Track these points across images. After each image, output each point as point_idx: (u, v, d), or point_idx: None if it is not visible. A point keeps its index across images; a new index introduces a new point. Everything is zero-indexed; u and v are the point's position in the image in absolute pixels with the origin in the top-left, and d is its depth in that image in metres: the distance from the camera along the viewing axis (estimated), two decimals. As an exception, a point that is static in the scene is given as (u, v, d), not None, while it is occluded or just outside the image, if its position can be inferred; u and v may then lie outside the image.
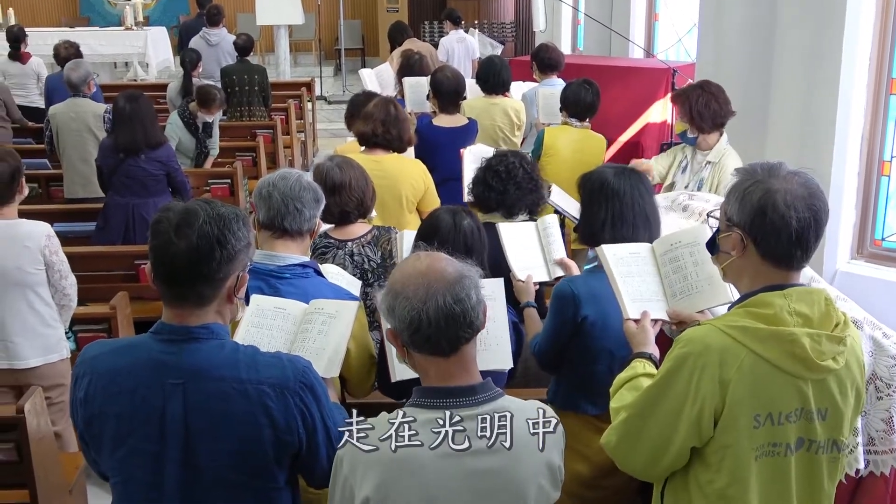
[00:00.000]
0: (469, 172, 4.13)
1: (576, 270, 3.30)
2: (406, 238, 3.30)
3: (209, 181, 6.78)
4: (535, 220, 3.59)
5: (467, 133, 5.47)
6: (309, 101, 10.66)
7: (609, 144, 6.06)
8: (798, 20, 5.02)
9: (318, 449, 2.11)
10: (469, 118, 5.66)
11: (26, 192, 3.99)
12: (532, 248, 3.41)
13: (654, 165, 4.67)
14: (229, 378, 2.02)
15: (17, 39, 8.91)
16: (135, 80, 13.02)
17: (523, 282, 3.26)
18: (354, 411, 1.96)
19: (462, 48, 10.10)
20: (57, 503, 3.44)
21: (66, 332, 4.10)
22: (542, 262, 3.38)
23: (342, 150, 4.76)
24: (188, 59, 8.21)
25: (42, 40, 11.23)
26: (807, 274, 2.51)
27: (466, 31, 10.73)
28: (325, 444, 2.11)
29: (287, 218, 2.78)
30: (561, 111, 5.56)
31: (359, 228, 3.61)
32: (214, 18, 9.83)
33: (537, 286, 3.31)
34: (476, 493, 1.91)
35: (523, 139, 6.29)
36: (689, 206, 3.50)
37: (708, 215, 2.28)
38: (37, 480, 3.27)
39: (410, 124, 4.81)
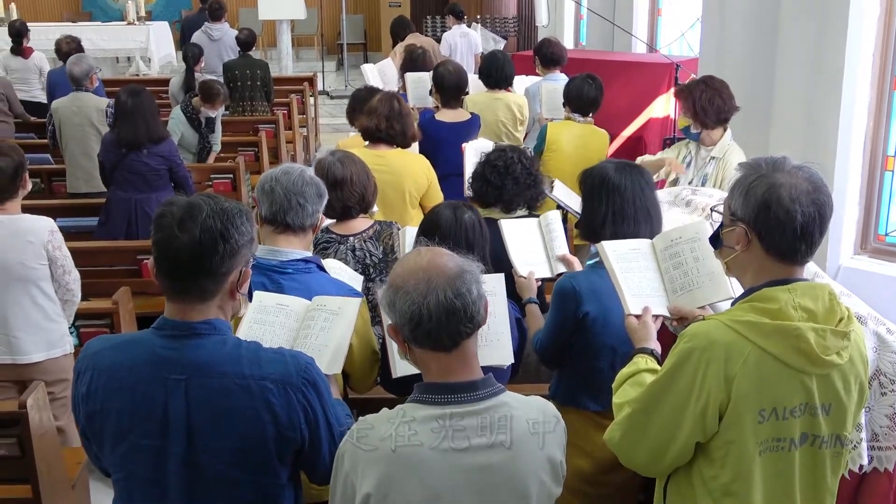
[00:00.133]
0: (470, 167, 4.12)
1: (578, 266, 3.29)
2: (408, 234, 3.30)
3: (211, 176, 6.78)
4: (536, 216, 3.58)
5: (470, 128, 5.47)
6: (311, 95, 10.65)
7: (612, 139, 6.06)
8: (801, 15, 5.01)
9: (321, 445, 2.10)
10: (472, 113, 5.65)
11: (29, 187, 3.99)
12: (534, 244, 3.40)
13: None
14: (232, 374, 2.02)
15: (19, 34, 8.91)
16: (137, 75, 13.01)
17: (525, 278, 3.26)
18: (355, 412, 1.96)
19: (465, 43, 10.08)
20: (59, 498, 3.44)
21: (69, 328, 4.10)
22: (544, 258, 3.37)
23: (345, 145, 4.75)
24: (190, 54, 8.21)
25: (44, 35, 11.24)
26: (810, 269, 2.50)
27: (469, 26, 10.71)
28: (327, 440, 2.11)
29: (290, 213, 2.77)
30: (564, 106, 5.56)
31: (360, 223, 3.61)
32: (216, 13, 9.82)
33: (539, 282, 3.31)
34: (478, 488, 1.90)
35: (526, 134, 6.28)
36: (693, 202, 3.49)
37: (712, 210, 2.27)
38: (39, 476, 3.27)
39: (414, 119, 4.80)
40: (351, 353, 2.58)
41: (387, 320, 2.03)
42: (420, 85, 6.27)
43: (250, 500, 2.09)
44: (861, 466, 2.65)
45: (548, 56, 6.55)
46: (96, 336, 2.26)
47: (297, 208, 2.78)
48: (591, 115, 5.48)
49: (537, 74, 6.77)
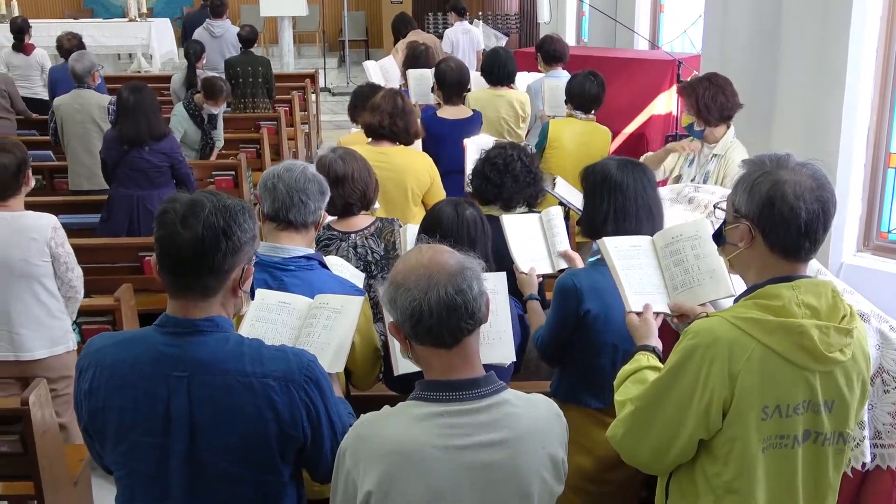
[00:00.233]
0: (471, 164, 4.12)
1: (579, 262, 3.29)
2: (409, 231, 3.29)
3: (213, 173, 6.77)
4: (537, 212, 3.58)
5: (472, 125, 5.47)
6: (313, 92, 10.64)
7: (614, 136, 6.06)
8: (805, 11, 5.00)
9: (323, 443, 2.10)
10: (473, 110, 5.65)
11: (32, 184, 3.99)
12: (536, 239, 3.39)
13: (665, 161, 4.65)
14: (234, 371, 2.01)
15: (20, 31, 8.91)
16: (138, 72, 13.02)
17: (526, 274, 3.25)
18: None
19: (467, 40, 10.07)
20: (61, 495, 3.45)
21: (72, 324, 4.10)
22: (545, 254, 3.37)
23: (346, 142, 4.74)
24: (192, 51, 8.20)
25: (46, 32, 11.24)
26: (813, 266, 2.50)
27: (471, 23, 10.70)
28: (329, 438, 2.11)
29: (292, 210, 2.77)
30: (566, 103, 5.55)
31: (362, 220, 3.61)
32: (218, 10, 9.81)
33: (540, 278, 3.30)
34: (479, 486, 1.90)
35: (528, 131, 6.28)
36: (695, 199, 3.48)
37: (715, 207, 2.27)
38: (41, 472, 3.27)
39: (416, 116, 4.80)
40: (353, 351, 2.58)
41: (388, 317, 2.02)
42: (422, 82, 6.27)
43: (252, 498, 2.09)
44: (864, 464, 2.64)
45: (550, 53, 6.54)
46: (98, 333, 2.26)
47: (299, 205, 2.77)
48: (593, 112, 5.47)
49: (539, 71, 6.76)
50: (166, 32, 13.64)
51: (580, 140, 5.40)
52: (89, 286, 4.14)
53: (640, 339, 2.44)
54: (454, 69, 5.58)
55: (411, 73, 6.47)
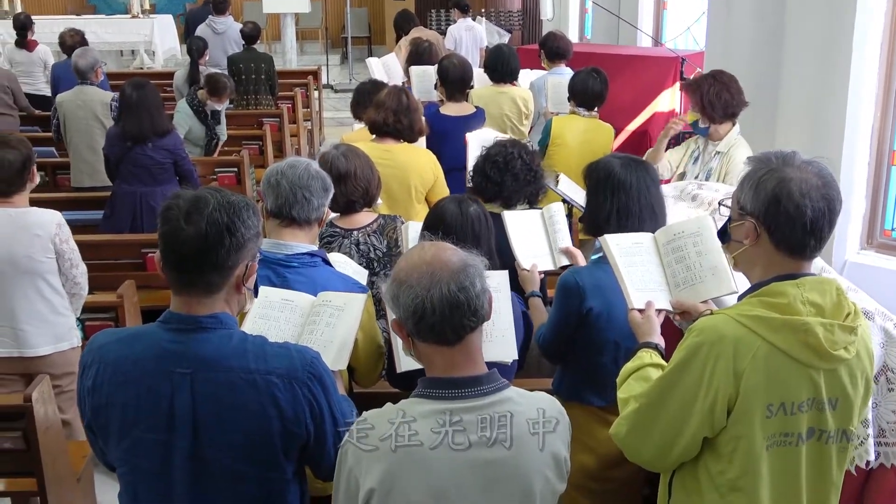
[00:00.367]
0: (473, 159, 4.11)
1: (581, 259, 3.28)
2: (412, 229, 3.29)
3: (216, 170, 6.77)
4: (539, 209, 3.57)
5: (474, 122, 5.46)
6: (315, 89, 10.64)
7: (617, 133, 6.05)
8: (809, 9, 4.99)
9: (326, 440, 2.10)
10: (476, 107, 5.64)
11: (37, 180, 3.99)
12: (537, 236, 3.39)
13: (668, 158, 4.65)
14: (238, 368, 2.01)
15: (23, 27, 8.92)
16: (141, 69, 13.01)
17: (528, 271, 3.24)
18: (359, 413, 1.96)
19: (470, 37, 10.06)
20: (64, 492, 3.45)
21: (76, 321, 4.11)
22: (547, 250, 3.36)
23: (349, 139, 4.74)
24: (195, 48, 8.20)
25: (48, 28, 11.24)
26: (817, 264, 2.49)
27: (474, 20, 10.68)
28: (332, 435, 2.10)
29: (295, 207, 2.77)
30: (569, 100, 5.54)
31: (364, 217, 3.60)
32: (221, 6, 9.81)
33: (542, 275, 3.29)
34: (482, 483, 1.90)
35: (531, 128, 6.27)
36: (699, 196, 3.48)
37: (720, 204, 2.26)
38: (44, 469, 3.27)
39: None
40: (356, 348, 2.58)
41: (391, 315, 2.02)
42: (425, 78, 6.26)
43: (256, 495, 2.09)
44: (868, 462, 2.64)
45: (553, 50, 6.53)
46: (101, 330, 2.26)
47: (302, 202, 2.77)
48: (596, 109, 5.47)
49: (542, 68, 6.75)
50: (169, 29, 13.63)
51: (583, 137, 5.39)
52: (92, 283, 4.14)
53: (642, 336, 2.43)
54: (457, 66, 5.57)
55: (414, 69, 6.46)
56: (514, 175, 3.67)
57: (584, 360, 2.92)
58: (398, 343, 2.41)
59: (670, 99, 7.16)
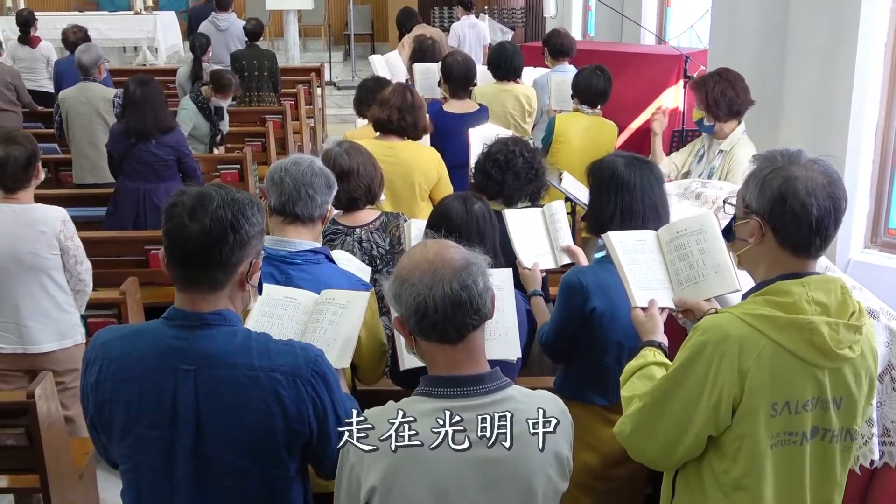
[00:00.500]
0: (474, 156, 4.11)
1: (583, 257, 3.27)
2: (414, 227, 3.28)
3: (219, 166, 6.77)
4: (540, 206, 3.56)
5: (478, 119, 5.44)
6: (318, 86, 10.64)
7: (620, 131, 6.03)
8: (813, 6, 4.98)
9: (329, 438, 2.09)
10: (480, 104, 5.63)
11: (42, 176, 3.99)
12: (538, 234, 3.38)
13: (673, 160, 4.64)
14: (241, 365, 2.01)
15: (26, 23, 8.92)
16: (144, 65, 13.01)
17: (530, 269, 3.24)
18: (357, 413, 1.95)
19: (473, 34, 10.05)
20: (67, 488, 3.45)
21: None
22: (548, 249, 3.35)
23: (353, 136, 4.73)
24: (198, 44, 8.19)
25: (52, 24, 11.24)
26: (822, 263, 2.49)
27: (477, 17, 10.67)
28: (335, 433, 2.09)
29: (299, 204, 2.76)
30: (572, 98, 5.53)
31: (367, 215, 3.60)
32: (224, 3, 9.80)
33: (544, 273, 3.29)
34: (483, 482, 1.90)
35: (534, 126, 6.26)
36: (703, 194, 3.47)
37: (725, 202, 2.26)
38: (47, 465, 3.28)
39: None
40: (359, 346, 2.58)
41: (394, 313, 2.02)
42: (428, 75, 6.26)
43: (259, 492, 2.08)
44: (872, 462, 2.64)
45: (557, 47, 6.52)
46: (104, 326, 2.25)
47: (306, 199, 2.77)
48: (599, 106, 5.46)
49: (545, 66, 6.74)
50: (172, 26, 13.63)
51: (586, 135, 5.38)
52: (95, 279, 4.14)
53: (645, 334, 2.43)
54: (461, 63, 5.56)
55: (418, 66, 6.45)
56: (516, 173, 3.66)
57: (588, 360, 2.92)
58: (401, 341, 2.41)
59: (674, 97, 7.14)
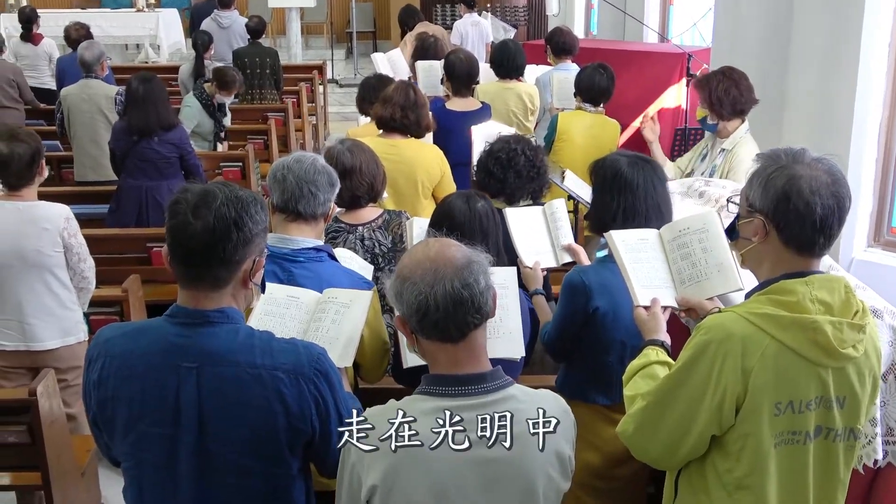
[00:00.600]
0: (477, 154, 4.10)
1: (584, 256, 3.27)
2: (416, 225, 3.27)
3: (221, 164, 6.77)
4: (542, 205, 3.56)
5: (480, 117, 5.44)
6: (320, 84, 10.64)
7: (623, 129, 6.02)
8: (816, 4, 4.97)
9: (331, 437, 2.09)
10: (482, 102, 5.63)
11: (46, 174, 3.99)
12: (539, 233, 3.38)
13: (678, 164, 4.64)
14: (244, 363, 2.01)
15: (29, 20, 8.92)
16: (146, 63, 13.02)
17: (531, 268, 3.23)
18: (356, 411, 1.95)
19: (476, 32, 10.03)
20: (69, 486, 3.45)
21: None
22: (549, 247, 3.35)
23: (356, 133, 4.73)
24: (200, 42, 8.20)
25: (54, 21, 11.25)
26: (825, 262, 2.48)
27: (479, 15, 10.66)
28: (337, 432, 2.09)
29: (301, 201, 2.76)
30: (575, 96, 5.53)
31: (369, 213, 3.59)
32: (226, 1, 9.80)
33: (545, 272, 3.28)
34: (482, 481, 1.90)
35: (536, 124, 6.25)
36: (706, 193, 3.46)
37: (728, 201, 2.25)
38: (49, 463, 3.28)
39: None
40: (362, 344, 2.58)
41: (395, 311, 2.02)
42: (431, 73, 6.25)
43: (261, 490, 2.08)
44: (876, 461, 2.64)
45: (560, 45, 6.52)
46: (106, 324, 2.25)
47: (308, 196, 2.77)
48: (602, 105, 5.45)
49: (548, 63, 6.73)
50: (174, 23, 13.64)
51: (589, 133, 5.38)
52: (97, 277, 4.13)
53: (648, 333, 2.42)
54: (464, 61, 5.56)
55: (420, 64, 6.45)
56: (517, 171, 3.65)
57: (590, 359, 2.91)
58: (404, 339, 2.41)
59: (676, 95, 7.12)
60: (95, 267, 4.09)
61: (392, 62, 7.46)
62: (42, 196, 4.02)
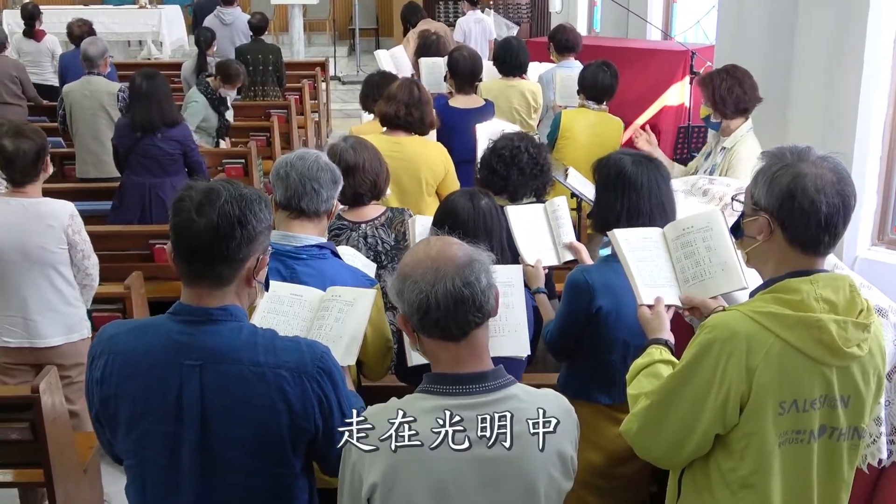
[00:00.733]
0: (482, 151, 4.09)
1: (585, 254, 3.26)
2: (419, 223, 3.27)
3: (223, 161, 6.77)
4: (543, 202, 3.55)
5: (484, 115, 5.43)
6: (323, 81, 10.63)
7: (626, 127, 6.02)
8: (821, 2, 4.95)
9: (334, 436, 2.07)
10: (485, 100, 5.62)
11: (51, 170, 3.98)
12: (541, 231, 3.37)
13: (689, 167, 4.63)
14: (247, 361, 2.01)
15: (31, 17, 8.92)
16: (148, 59, 13.02)
17: (533, 267, 3.22)
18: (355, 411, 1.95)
19: (479, 29, 10.02)
20: (71, 483, 3.45)
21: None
22: (551, 245, 3.34)
23: (358, 131, 4.72)
24: (202, 38, 8.19)
25: (57, 18, 11.25)
26: (830, 260, 2.47)
27: (482, 12, 10.64)
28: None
29: (304, 198, 2.76)
30: (578, 93, 5.52)
31: (372, 210, 3.59)
32: (228, -3, 9.80)
33: (547, 270, 3.28)
34: (483, 481, 1.89)
35: (539, 121, 6.25)
36: (710, 191, 3.45)
37: (733, 199, 2.25)
38: (51, 459, 3.28)
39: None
40: (365, 342, 2.57)
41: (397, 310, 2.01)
42: (434, 70, 6.24)
43: (264, 489, 2.08)
44: (880, 461, 2.63)
45: (563, 43, 6.51)
46: (109, 321, 2.25)
47: (311, 194, 2.76)
48: (605, 102, 5.44)
49: (551, 61, 6.72)
50: (176, 20, 13.63)
51: (592, 131, 5.37)
52: (100, 273, 4.14)
53: (651, 332, 2.42)
54: (467, 58, 5.55)
55: (424, 61, 6.44)
56: (520, 169, 3.65)
57: (593, 359, 2.91)
58: (407, 338, 2.40)
59: (679, 93, 7.13)
60: (98, 264, 4.10)
61: (395, 59, 7.45)
62: (45, 192, 4.01)
